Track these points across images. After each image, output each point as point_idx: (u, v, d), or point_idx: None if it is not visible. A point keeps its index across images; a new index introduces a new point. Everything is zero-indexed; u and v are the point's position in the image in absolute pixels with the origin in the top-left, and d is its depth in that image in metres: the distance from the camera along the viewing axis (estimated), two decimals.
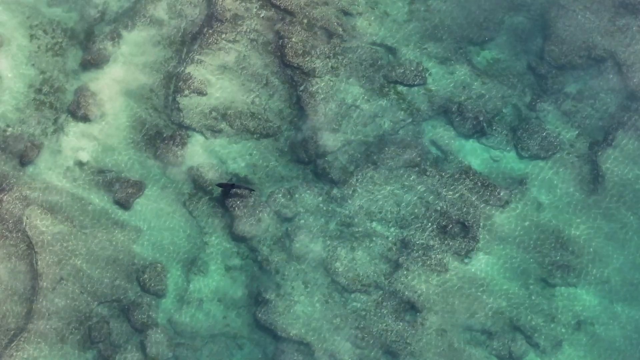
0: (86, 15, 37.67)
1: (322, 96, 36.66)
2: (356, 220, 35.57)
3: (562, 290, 35.02)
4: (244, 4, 37.85)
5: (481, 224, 35.43)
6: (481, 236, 35.34)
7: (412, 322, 34.56)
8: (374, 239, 35.39)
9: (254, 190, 35.61)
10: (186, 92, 36.70)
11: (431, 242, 35.26)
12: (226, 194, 35.54)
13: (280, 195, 35.81)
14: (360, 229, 35.49)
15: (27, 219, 34.99)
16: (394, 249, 35.26)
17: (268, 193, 35.87)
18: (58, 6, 37.68)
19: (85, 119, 36.29)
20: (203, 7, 37.85)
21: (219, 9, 37.62)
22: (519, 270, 35.20)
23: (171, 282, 35.16)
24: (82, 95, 36.39)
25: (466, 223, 35.40)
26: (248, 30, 37.58)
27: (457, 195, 35.78)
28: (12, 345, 33.82)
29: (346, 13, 37.89)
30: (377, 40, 37.59)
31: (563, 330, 34.65)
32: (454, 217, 35.50)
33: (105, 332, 34.50)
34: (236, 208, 35.51)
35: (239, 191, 35.62)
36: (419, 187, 35.93)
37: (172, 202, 35.85)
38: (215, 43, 37.27)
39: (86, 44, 37.24)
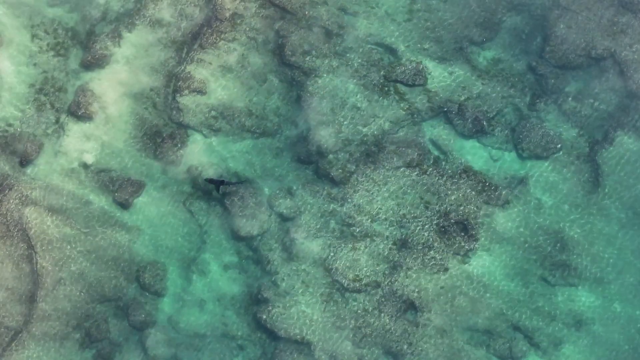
0: (87, 15, 37.72)
1: (322, 95, 36.66)
2: (356, 219, 35.54)
3: (562, 289, 34.95)
4: (243, 3, 37.87)
5: (481, 223, 35.39)
6: (481, 236, 35.30)
7: (412, 322, 34.53)
8: (374, 238, 35.36)
9: (244, 181, 35.56)
10: (186, 91, 36.72)
11: (431, 242, 35.23)
12: (218, 190, 35.51)
13: (280, 194, 35.80)
14: (360, 229, 35.46)
15: (27, 219, 35.02)
16: (394, 248, 35.24)
17: (268, 192, 35.89)
18: (59, 6, 37.75)
19: (85, 118, 36.35)
20: (203, 6, 37.89)
21: (219, 8, 37.66)
22: (519, 270, 35.15)
23: (171, 281, 35.20)
24: (82, 95, 36.45)
25: (466, 223, 35.36)
26: (248, 29, 37.61)
27: (457, 195, 35.74)
28: (13, 344, 33.87)
29: (346, 12, 37.88)
30: (377, 40, 37.59)
31: (563, 330, 34.58)
32: (454, 217, 35.46)
33: (104, 332, 34.55)
34: (236, 207, 35.52)
35: (229, 188, 35.56)
36: (419, 187, 35.91)
37: (172, 202, 35.88)
38: (215, 42, 37.30)
39: (87, 44, 37.31)
